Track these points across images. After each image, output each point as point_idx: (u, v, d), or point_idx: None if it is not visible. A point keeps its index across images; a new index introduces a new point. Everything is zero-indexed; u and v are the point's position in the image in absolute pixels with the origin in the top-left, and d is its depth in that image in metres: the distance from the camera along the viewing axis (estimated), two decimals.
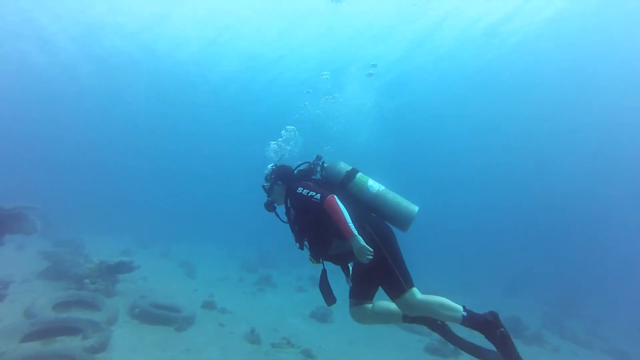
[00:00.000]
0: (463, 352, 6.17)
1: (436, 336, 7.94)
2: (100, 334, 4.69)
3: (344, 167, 2.82)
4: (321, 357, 5.80)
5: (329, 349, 6.27)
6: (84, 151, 32.94)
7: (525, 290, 16.99)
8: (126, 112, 27.30)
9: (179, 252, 14.20)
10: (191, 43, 18.58)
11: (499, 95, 20.36)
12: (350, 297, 2.74)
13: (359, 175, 2.77)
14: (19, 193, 15.19)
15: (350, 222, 2.41)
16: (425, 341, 7.89)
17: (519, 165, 29.24)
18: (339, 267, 2.84)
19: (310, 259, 2.78)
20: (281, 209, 2.94)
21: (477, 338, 2.56)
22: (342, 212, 2.42)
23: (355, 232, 2.40)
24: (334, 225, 2.46)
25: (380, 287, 2.69)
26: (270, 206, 2.99)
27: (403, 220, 2.66)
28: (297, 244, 2.82)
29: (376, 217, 2.72)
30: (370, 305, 2.70)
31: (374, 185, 2.74)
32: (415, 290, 2.53)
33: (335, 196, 2.49)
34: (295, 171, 2.98)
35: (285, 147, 3.51)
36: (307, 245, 2.77)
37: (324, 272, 2.72)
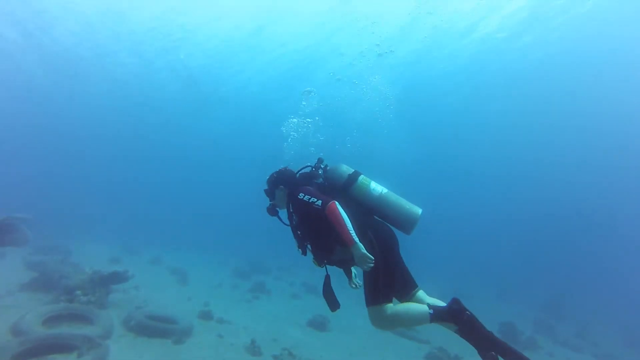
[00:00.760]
0: (463, 359, 6.13)
1: (436, 344, 8.08)
2: (96, 351, 4.51)
3: (346, 170, 2.81)
4: None
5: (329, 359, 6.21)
6: (69, 156, 32.06)
7: (515, 295, 17.33)
8: (112, 116, 26.69)
9: (169, 258, 13.92)
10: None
11: (493, 93, 20.62)
12: (365, 303, 2.65)
13: (361, 178, 2.75)
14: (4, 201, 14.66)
15: (352, 229, 2.40)
16: (425, 349, 7.93)
17: (510, 171, 29.88)
18: (341, 270, 2.82)
19: (313, 262, 2.78)
20: (283, 212, 2.92)
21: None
22: (343, 219, 2.41)
23: (357, 239, 2.39)
24: (335, 232, 2.44)
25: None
26: (272, 210, 2.97)
27: (406, 223, 2.65)
28: (300, 249, 2.80)
29: (379, 221, 2.72)
30: (388, 306, 2.60)
31: (377, 188, 2.73)
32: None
33: (336, 202, 2.47)
34: (297, 175, 2.96)
35: (307, 121, 3.44)
36: (310, 250, 2.75)
37: (327, 277, 2.69)
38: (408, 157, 25.96)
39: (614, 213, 29.45)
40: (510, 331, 9.87)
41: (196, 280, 11.33)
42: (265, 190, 3.03)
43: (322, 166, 2.93)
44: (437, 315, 2.47)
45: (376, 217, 2.74)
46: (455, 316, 2.44)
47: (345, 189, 2.73)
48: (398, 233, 2.76)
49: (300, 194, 2.62)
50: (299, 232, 2.77)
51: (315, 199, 2.54)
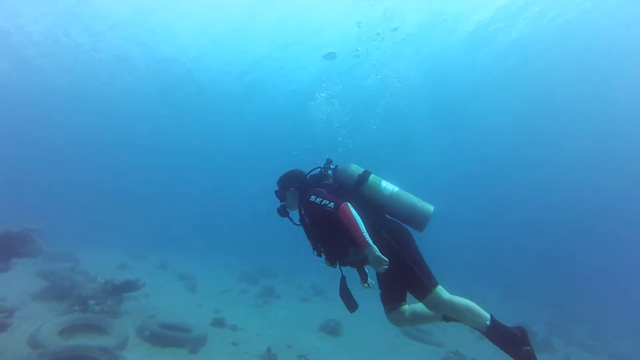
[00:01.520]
0: None
1: (451, 346, 8.09)
2: None
3: (356, 169, 2.83)
4: None
5: None
6: (73, 163, 32.18)
7: (523, 295, 17.31)
8: (118, 121, 26.75)
9: (176, 264, 13.97)
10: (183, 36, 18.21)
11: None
12: (383, 305, 2.75)
13: (372, 177, 2.78)
14: (7, 209, 14.73)
15: (365, 231, 2.42)
16: (440, 353, 7.94)
17: (519, 168, 29.74)
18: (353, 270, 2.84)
19: (325, 263, 2.81)
20: (294, 213, 2.96)
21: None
22: (356, 221, 2.43)
23: (370, 241, 2.40)
24: (349, 234, 2.46)
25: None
26: (283, 211, 2.99)
27: (419, 220, 2.68)
28: (315, 251, 2.82)
29: (392, 219, 2.75)
30: (406, 307, 2.71)
31: (388, 186, 2.75)
32: (440, 289, 2.54)
33: (349, 204, 2.49)
34: (308, 177, 2.98)
35: (333, 102, 3.42)
36: (323, 251, 2.78)
37: (343, 279, 2.71)
38: (430, 148, 25.85)
39: (628, 212, 29.29)
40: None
41: (204, 286, 11.38)
42: (276, 192, 3.05)
43: (331, 167, 2.94)
44: (495, 331, 2.45)
45: (388, 216, 2.77)
46: (514, 345, 2.41)
47: (356, 189, 2.75)
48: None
49: (312, 196, 2.65)
50: (312, 234, 2.80)
51: (327, 201, 2.56)
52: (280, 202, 3.01)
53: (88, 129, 28.07)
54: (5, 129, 26.85)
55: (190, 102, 23.81)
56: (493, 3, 13.94)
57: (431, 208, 2.71)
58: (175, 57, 19.22)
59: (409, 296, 2.71)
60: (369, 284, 2.79)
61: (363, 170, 2.83)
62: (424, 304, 2.56)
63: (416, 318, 2.71)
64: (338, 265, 2.76)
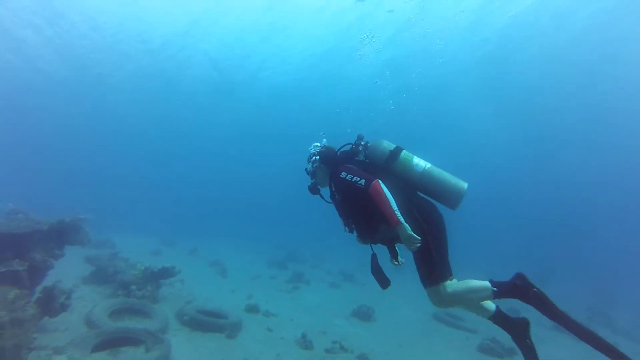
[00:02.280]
0: (518, 351, 6.16)
1: (488, 334, 8.05)
2: (161, 346, 4.87)
3: (387, 145, 2.80)
4: None
5: (381, 352, 6.36)
6: (105, 152, 33.81)
7: (561, 281, 16.77)
8: (145, 111, 27.67)
9: (205, 250, 14.57)
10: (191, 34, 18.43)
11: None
12: (421, 282, 2.72)
13: (404, 153, 2.75)
14: (39, 197, 15.81)
15: (397, 209, 2.41)
16: (473, 338, 7.93)
17: (564, 146, 28.20)
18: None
19: (356, 240, 2.85)
20: (325, 191, 2.99)
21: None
22: (387, 198, 2.42)
23: (402, 219, 2.40)
24: (380, 211, 2.47)
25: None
26: (314, 189, 3.02)
27: (452, 198, 2.65)
28: (346, 228, 2.85)
29: (424, 198, 2.73)
30: (448, 283, 2.65)
31: (420, 162, 2.72)
32: (449, 284, 2.55)
33: (380, 181, 2.48)
34: (338, 153, 2.99)
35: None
36: (355, 228, 2.80)
37: (374, 256, 2.73)
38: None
39: None
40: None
41: (235, 272, 11.83)
42: (307, 169, 3.09)
43: (362, 143, 2.93)
44: (501, 292, 2.51)
45: (420, 194, 2.75)
46: (521, 293, 2.49)
47: (387, 166, 2.74)
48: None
49: (343, 173, 2.65)
50: (342, 211, 2.83)
51: (359, 178, 2.56)
52: (311, 179, 3.05)
53: (120, 119, 29.28)
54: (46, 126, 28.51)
55: (216, 89, 24.15)
56: None
57: (465, 185, 2.66)
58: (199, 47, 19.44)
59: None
60: (399, 262, 2.80)
61: (395, 146, 2.80)
62: (427, 292, 2.59)
63: (463, 297, 2.62)
64: (369, 243, 2.78)
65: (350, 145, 2.97)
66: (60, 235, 4.72)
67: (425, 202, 2.71)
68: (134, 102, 25.88)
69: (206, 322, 6.18)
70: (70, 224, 4.70)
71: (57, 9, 15.94)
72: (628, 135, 23.04)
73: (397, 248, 2.82)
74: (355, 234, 2.84)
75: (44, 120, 28.47)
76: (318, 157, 3.02)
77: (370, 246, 2.78)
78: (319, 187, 3.03)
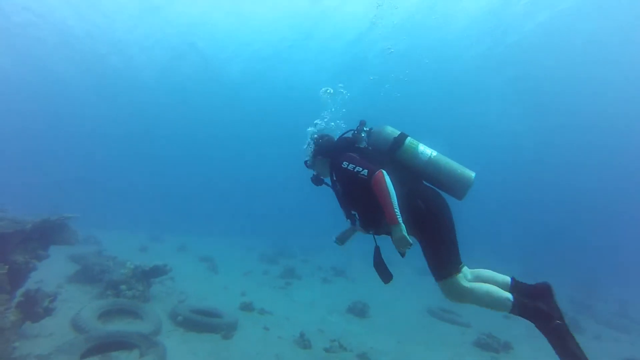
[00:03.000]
0: (514, 347, 6.24)
1: (483, 329, 8.11)
2: (155, 350, 4.63)
3: (392, 132, 2.68)
4: None
5: (380, 350, 6.29)
6: (89, 144, 32.69)
7: (542, 275, 17.20)
8: (134, 102, 26.84)
9: (194, 246, 14.23)
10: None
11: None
12: (434, 279, 2.62)
13: (409, 140, 2.63)
14: (25, 191, 15.06)
15: (397, 206, 2.28)
16: (469, 333, 7.99)
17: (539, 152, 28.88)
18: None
19: (359, 230, 2.74)
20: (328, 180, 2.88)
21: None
22: (389, 192, 2.29)
23: (400, 219, 2.27)
24: (379, 203, 2.35)
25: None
26: (317, 180, 2.92)
27: (459, 187, 2.56)
28: (348, 219, 2.75)
29: (429, 187, 2.62)
30: (461, 276, 2.56)
31: (425, 150, 2.61)
32: (462, 276, 2.43)
33: (384, 172, 2.34)
34: (338, 140, 2.84)
35: None
36: (357, 218, 2.70)
37: (377, 249, 2.62)
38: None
39: None
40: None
41: (226, 268, 11.57)
42: (305, 162, 2.96)
43: (364, 129, 2.79)
44: (519, 310, 2.38)
45: (425, 183, 2.65)
46: (541, 321, 2.33)
47: (391, 153, 2.63)
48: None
49: (345, 163, 2.52)
50: (344, 202, 2.71)
51: (361, 168, 2.44)
52: (313, 171, 2.94)
53: (108, 112, 28.32)
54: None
55: (205, 86, 23.62)
56: None
57: (472, 174, 2.57)
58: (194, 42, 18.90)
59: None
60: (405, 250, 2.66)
61: (399, 132, 2.68)
62: (439, 286, 2.46)
63: (478, 298, 2.53)
64: (372, 234, 2.66)
65: (352, 132, 2.82)
66: (45, 235, 4.39)
67: (431, 191, 2.59)
68: (118, 95, 25.04)
69: (201, 322, 5.95)
70: (56, 222, 4.38)
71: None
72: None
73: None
74: (357, 224, 2.72)
75: (22, 113, 27.23)
76: (314, 148, 2.89)
77: (374, 238, 2.65)
78: (322, 177, 2.91)
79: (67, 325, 5.14)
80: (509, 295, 2.41)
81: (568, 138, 25.32)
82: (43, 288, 4.85)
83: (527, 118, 23.38)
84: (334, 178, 2.72)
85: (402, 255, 2.39)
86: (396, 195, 2.35)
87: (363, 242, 2.50)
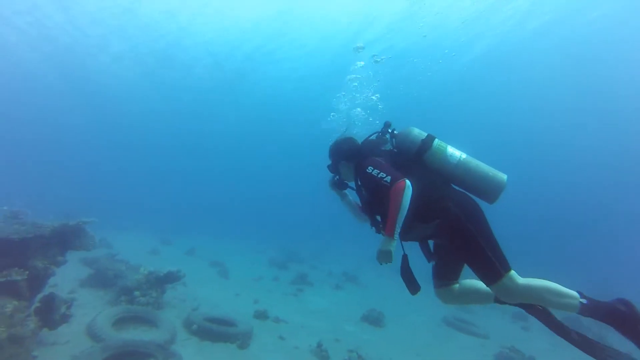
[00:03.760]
0: None
1: (501, 340, 7.90)
2: None
3: (419, 134, 2.58)
4: None
5: None
6: (99, 149, 33.10)
7: (555, 269, 16.81)
8: (144, 108, 27.12)
9: (203, 249, 14.21)
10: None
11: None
12: (434, 278, 2.58)
13: (436, 142, 2.54)
14: (33, 195, 15.20)
15: (401, 222, 2.23)
16: (489, 346, 7.78)
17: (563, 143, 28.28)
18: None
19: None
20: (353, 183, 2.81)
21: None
22: (400, 208, 2.21)
23: (397, 235, 2.23)
24: (413, 207, 2.27)
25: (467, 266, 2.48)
26: (341, 184, 2.85)
27: (490, 191, 2.45)
28: (373, 227, 2.67)
29: (460, 191, 2.52)
30: (457, 286, 2.54)
31: (454, 153, 2.52)
32: (513, 273, 2.28)
33: (407, 183, 2.25)
34: (364, 143, 2.77)
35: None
36: (382, 224, 2.58)
37: (405, 257, 2.51)
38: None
39: None
40: (577, 328, 9.50)
41: (236, 273, 11.51)
42: (329, 166, 2.89)
43: (389, 131, 2.70)
44: (593, 310, 2.20)
45: (454, 187, 2.55)
46: (621, 321, 2.14)
47: (418, 157, 2.53)
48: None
49: (369, 167, 2.45)
50: (369, 208, 2.63)
51: (385, 174, 2.36)
52: (334, 175, 2.87)
53: (119, 117, 28.69)
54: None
55: (217, 87, 23.77)
56: None
57: (504, 177, 2.47)
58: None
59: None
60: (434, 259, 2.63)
61: (427, 134, 2.58)
62: (493, 289, 2.32)
63: (466, 297, 2.57)
64: (400, 242, 2.52)
65: (377, 134, 2.75)
66: (64, 240, 4.34)
67: (463, 194, 2.50)
68: (131, 98, 25.31)
69: (216, 331, 5.86)
70: (74, 227, 4.32)
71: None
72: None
73: (430, 244, 2.65)
74: (382, 230, 2.58)
75: (37, 116, 27.72)
76: (337, 154, 2.83)
77: (402, 245, 2.55)
78: (345, 182, 2.85)
79: (83, 332, 5.10)
80: (574, 292, 2.25)
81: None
82: (57, 292, 4.83)
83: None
84: (359, 183, 2.65)
85: (386, 263, 2.32)
86: (427, 199, 2.33)
87: (373, 247, 2.39)
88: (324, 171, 3.01)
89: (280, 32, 17.91)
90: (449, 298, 2.56)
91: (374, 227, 2.67)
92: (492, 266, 2.27)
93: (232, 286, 9.86)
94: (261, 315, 7.22)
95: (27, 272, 3.88)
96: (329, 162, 2.90)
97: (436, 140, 2.55)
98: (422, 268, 2.69)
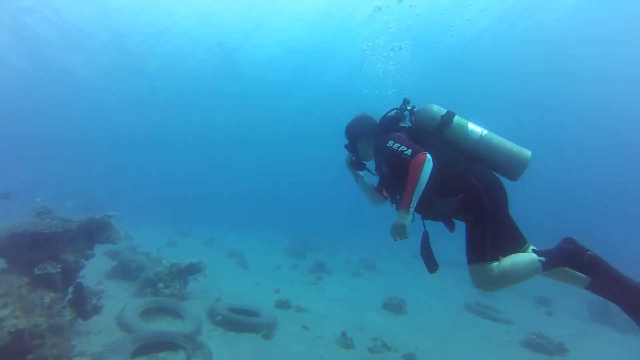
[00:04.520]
0: (569, 349, 5.92)
1: (527, 327, 7.85)
2: (202, 352, 4.67)
3: (438, 110, 2.56)
4: None
5: (425, 349, 6.17)
6: (113, 145, 33.69)
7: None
8: (157, 102, 27.40)
9: (220, 240, 14.45)
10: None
11: None
12: (468, 261, 2.47)
13: (457, 119, 2.51)
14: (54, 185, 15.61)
15: (418, 196, 2.22)
16: (514, 332, 7.75)
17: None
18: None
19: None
20: (371, 164, 2.85)
21: None
22: (419, 180, 2.20)
23: (412, 210, 2.22)
24: (436, 182, 2.27)
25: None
26: (359, 164, 2.85)
27: (514, 168, 2.42)
28: (393, 204, 2.67)
29: (482, 167, 2.47)
30: (494, 264, 2.38)
31: (475, 129, 2.49)
32: (494, 265, 2.24)
33: (428, 156, 2.24)
34: (382, 120, 2.76)
35: None
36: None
37: (425, 235, 2.52)
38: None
39: None
40: (603, 313, 9.39)
41: (255, 263, 11.69)
42: (347, 146, 2.88)
43: (408, 108, 2.68)
44: (551, 262, 2.24)
45: (478, 165, 2.50)
46: (573, 259, 2.23)
47: (438, 133, 2.51)
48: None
49: (390, 142, 2.44)
50: (390, 185, 2.62)
51: (406, 147, 2.34)
52: (352, 155, 2.85)
53: (131, 110, 29.04)
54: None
55: (230, 79, 23.82)
56: None
57: (529, 153, 2.42)
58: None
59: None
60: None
61: (446, 111, 2.56)
62: (469, 269, 2.29)
63: (510, 276, 2.37)
64: (422, 220, 2.57)
65: (395, 110, 2.72)
66: (91, 234, 4.46)
67: (487, 172, 2.46)
68: (148, 92, 25.55)
69: (241, 321, 5.98)
70: (100, 221, 4.42)
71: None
72: None
73: (455, 222, 2.61)
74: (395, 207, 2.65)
75: (51, 113, 28.30)
76: (356, 131, 2.82)
77: (423, 222, 2.56)
78: (364, 161, 2.86)
79: (113, 323, 5.27)
80: (533, 255, 2.28)
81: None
82: (85, 284, 4.99)
83: None
84: (379, 160, 2.66)
85: (400, 239, 2.32)
86: (449, 173, 2.34)
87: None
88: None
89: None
90: (490, 281, 2.47)
91: (394, 205, 2.67)
92: (482, 248, 2.24)
93: (252, 276, 10.02)
94: (283, 305, 7.33)
95: (60, 265, 4.00)
96: (346, 142, 2.90)
97: (456, 116, 2.53)
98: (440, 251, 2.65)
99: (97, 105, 27.50)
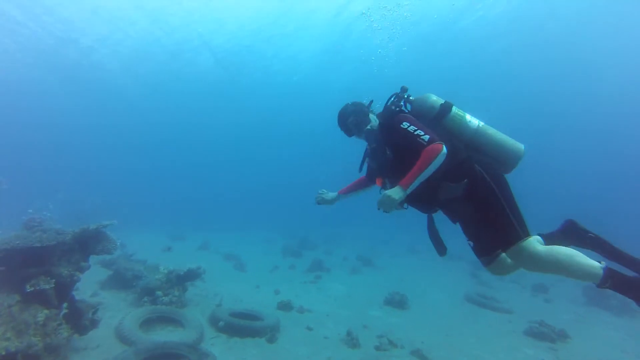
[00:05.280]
0: (570, 335, 6.04)
1: (527, 316, 7.91)
2: None
3: (437, 100, 2.59)
4: (433, 357, 5.66)
5: (431, 344, 6.14)
6: (101, 150, 33.01)
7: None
8: (147, 105, 26.89)
9: (216, 243, 14.25)
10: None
11: None
12: (479, 257, 2.53)
13: (455, 109, 2.54)
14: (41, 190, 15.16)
15: (419, 182, 2.25)
16: (516, 321, 7.79)
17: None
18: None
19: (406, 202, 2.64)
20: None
21: None
22: (428, 167, 2.20)
23: (409, 191, 2.25)
24: (445, 167, 2.28)
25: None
26: (380, 153, 2.76)
27: (509, 160, 2.47)
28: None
29: (481, 156, 2.53)
30: (504, 254, 2.49)
31: (472, 120, 2.53)
32: (535, 239, 2.31)
33: (444, 148, 2.25)
34: (388, 103, 2.76)
35: None
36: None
37: (430, 218, 2.59)
38: None
39: None
40: (598, 296, 9.55)
41: (252, 265, 11.55)
42: (348, 131, 2.84)
43: (405, 96, 2.68)
44: (614, 279, 2.21)
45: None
46: (574, 236, 2.45)
47: (437, 121, 2.53)
48: None
49: (405, 123, 2.43)
50: (393, 168, 2.56)
51: (422, 132, 2.34)
52: (368, 143, 2.78)
53: (122, 113, 28.47)
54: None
55: (223, 84, 23.57)
56: None
57: (522, 147, 2.48)
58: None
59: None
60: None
61: (444, 100, 2.58)
62: (509, 254, 2.33)
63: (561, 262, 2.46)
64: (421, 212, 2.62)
65: (394, 96, 2.72)
66: (85, 245, 4.27)
67: (487, 158, 2.52)
68: (139, 96, 25.06)
69: (244, 326, 5.85)
70: (94, 231, 4.24)
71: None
72: None
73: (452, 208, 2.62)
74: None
75: (43, 117, 27.57)
76: (359, 112, 2.81)
77: (429, 215, 2.65)
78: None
79: (112, 335, 5.09)
80: (597, 264, 2.24)
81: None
82: (80, 296, 4.81)
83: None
84: (381, 143, 2.62)
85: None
86: (454, 159, 2.38)
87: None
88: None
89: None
90: (503, 268, 2.52)
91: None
92: (511, 228, 2.27)
93: (250, 278, 9.89)
94: (285, 307, 7.23)
95: (54, 280, 3.82)
96: (341, 129, 2.87)
97: (454, 107, 2.55)
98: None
99: (82, 108, 26.88)
